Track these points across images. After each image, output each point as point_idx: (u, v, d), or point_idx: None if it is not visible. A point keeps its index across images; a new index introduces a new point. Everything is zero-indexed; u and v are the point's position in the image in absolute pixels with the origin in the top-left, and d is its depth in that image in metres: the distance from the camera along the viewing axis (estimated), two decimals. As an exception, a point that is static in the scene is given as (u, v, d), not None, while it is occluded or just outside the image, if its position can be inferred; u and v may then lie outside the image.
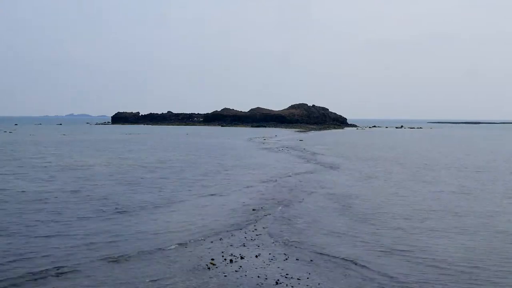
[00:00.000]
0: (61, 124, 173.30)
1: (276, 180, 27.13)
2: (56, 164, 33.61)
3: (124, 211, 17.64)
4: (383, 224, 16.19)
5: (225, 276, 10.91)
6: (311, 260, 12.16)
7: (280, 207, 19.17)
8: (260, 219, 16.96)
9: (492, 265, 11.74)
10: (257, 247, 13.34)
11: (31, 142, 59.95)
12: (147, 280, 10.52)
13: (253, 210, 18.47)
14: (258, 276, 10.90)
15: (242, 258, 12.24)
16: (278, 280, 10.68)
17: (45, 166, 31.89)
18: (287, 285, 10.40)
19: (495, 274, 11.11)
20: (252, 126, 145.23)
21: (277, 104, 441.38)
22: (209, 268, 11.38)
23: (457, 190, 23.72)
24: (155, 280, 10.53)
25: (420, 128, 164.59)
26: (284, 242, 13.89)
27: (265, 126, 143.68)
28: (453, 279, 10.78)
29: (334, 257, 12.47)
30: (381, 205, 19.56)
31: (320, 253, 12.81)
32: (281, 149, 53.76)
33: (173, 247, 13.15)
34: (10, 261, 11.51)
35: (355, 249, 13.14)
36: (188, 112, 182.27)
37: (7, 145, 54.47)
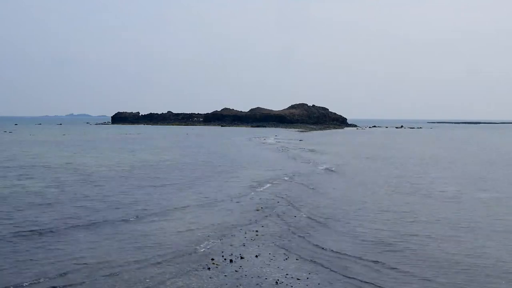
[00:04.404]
0: (61, 124, 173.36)
1: (278, 181, 27.12)
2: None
3: (123, 206, 17.69)
4: (385, 223, 16.21)
5: (225, 276, 10.92)
6: (311, 260, 12.17)
7: (281, 207, 19.17)
8: (261, 219, 16.96)
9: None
10: (257, 247, 13.34)
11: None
12: (147, 280, 10.54)
13: (257, 210, 18.45)
14: (258, 276, 10.90)
15: (242, 258, 12.24)
16: (278, 280, 10.69)
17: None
18: (287, 285, 10.40)
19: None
20: (252, 126, 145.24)
21: (277, 104, 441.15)
22: (209, 268, 11.38)
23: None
24: (155, 280, 10.53)
25: (420, 128, 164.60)
26: (284, 242, 13.89)
27: (265, 126, 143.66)
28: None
29: (335, 256, 12.49)
30: (383, 202, 19.59)
31: (321, 253, 12.82)
32: (281, 149, 53.78)
33: (173, 247, 13.15)
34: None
35: (356, 249, 13.14)
36: (188, 112, 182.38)
37: (7, 144, 54.53)
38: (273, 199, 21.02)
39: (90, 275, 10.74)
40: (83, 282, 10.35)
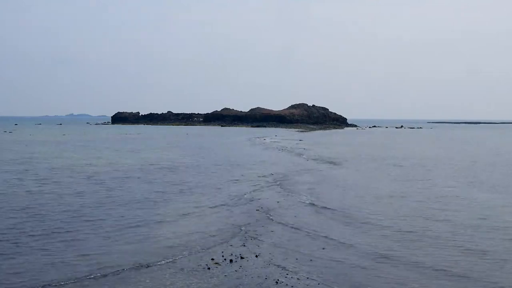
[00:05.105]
0: (61, 124, 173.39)
1: (274, 179, 27.13)
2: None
3: (122, 207, 17.72)
4: (387, 223, 16.22)
5: (225, 276, 10.93)
6: (311, 260, 12.17)
7: (281, 207, 19.18)
8: (261, 219, 16.96)
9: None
10: (257, 247, 13.34)
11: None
12: (147, 280, 10.55)
13: (257, 210, 18.46)
14: (258, 276, 10.91)
15: (242, 258, 12.25)
16: (278, 280, 10.69)
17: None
18: (287, 285, 10.41)
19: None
20: (252, 126, 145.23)
21: (277, 104, 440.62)
22: (209, 268, 11.39)
23: None
24: (155, 280, 10.54)
25: (420, 128, 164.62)
26: (285, 242, 13.90)
27: (265, 126, 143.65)
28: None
29: (334, 256, 12.49)
30: (379, 206, 19.59)
31: (320, 253, 12.83)
32: (281, 149, 53.78)
33: (173, 247, 13.16)
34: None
35: (355, 248, 13.16)
36: (188, 112, 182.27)
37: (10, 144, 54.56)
38: (273, 199, 21.04)
39: (90, 275, 10.76)
40: (82, 282, 10.39)
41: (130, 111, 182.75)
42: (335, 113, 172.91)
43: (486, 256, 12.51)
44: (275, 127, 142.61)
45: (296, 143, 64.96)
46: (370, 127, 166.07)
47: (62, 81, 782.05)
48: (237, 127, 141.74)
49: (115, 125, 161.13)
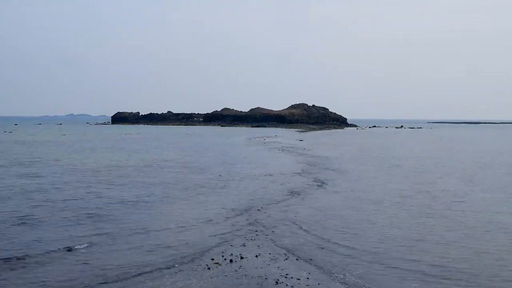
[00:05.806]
0: (61, 124, 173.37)
1: (272, 179, 27.17)
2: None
3: (124, 206, 17.73)
4: (387, 219, 16.23)
5: (225, 276, 10.93)
6: (311, 260, 12.18)
7: (280, 207, 19.19)
8: (262, 219, 16.96)
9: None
10: (257, 247, 13.35)
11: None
12: (147, 281, 10.55)
13: (258, 210, 18.47)
14: (259, 276, 10.91)
15: (242, 258, 12.25)
16: (278, 280, 10.69)
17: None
18: (287, 285, 10.41)
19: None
20: (252, 126, 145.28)
21: (277, 104, 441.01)
22: (209, 268, 11.40)
23: None
24: (155, 280, 10.55)
25: (420, 128, 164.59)
26: (285, 242, 13.90)
27: (265, 126, 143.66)
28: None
29: (335, 256, 12.50)
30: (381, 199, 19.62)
31: (321, 253, 12.83)
32: (281, 149, 53.81)
33: (173, 247, 13.16)
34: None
35: (356, 248, 13.17)
36: (188, 112, 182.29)
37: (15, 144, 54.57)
38: (272, 198, 21.07)
39: (91, 279, 10.78)
40: (83, 282, 10.39)
41: (130, 111, 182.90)
42: (335, 113, 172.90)
43: (486, 257, 12.52)
44: (275, 127, 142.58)
45: (297, 144, 64.94)
46: (370, 127, 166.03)
47: (62, 81, 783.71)
48: (237, 127, 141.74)
49: (115, 125, 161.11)
